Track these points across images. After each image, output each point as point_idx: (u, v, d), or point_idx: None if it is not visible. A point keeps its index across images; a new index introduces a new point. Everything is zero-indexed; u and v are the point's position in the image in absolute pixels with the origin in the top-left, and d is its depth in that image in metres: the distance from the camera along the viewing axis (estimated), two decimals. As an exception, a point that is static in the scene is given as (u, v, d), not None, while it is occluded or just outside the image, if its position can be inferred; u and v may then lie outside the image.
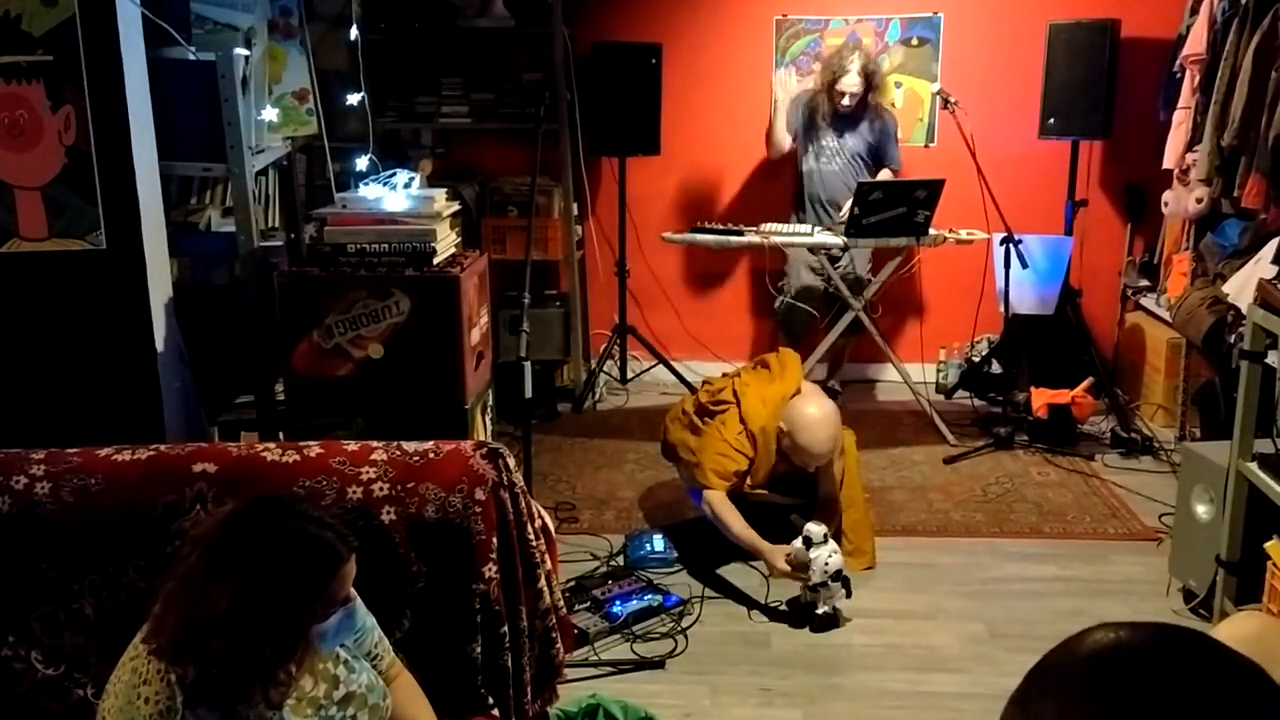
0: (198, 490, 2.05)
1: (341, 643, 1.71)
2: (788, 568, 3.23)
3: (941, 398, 5.30)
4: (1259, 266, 3.81)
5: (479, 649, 2.17)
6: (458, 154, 5.44)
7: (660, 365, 5.40)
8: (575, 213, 5.26)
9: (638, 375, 5.55)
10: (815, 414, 3.39)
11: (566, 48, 5.01)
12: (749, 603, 3.37)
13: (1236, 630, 1.98)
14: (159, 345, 2.62)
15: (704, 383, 3.95)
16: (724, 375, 3.86)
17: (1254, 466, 2.93)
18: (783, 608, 3.30)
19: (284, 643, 1.52)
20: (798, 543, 3.23)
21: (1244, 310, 3.38)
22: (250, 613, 1.49)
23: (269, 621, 1.50)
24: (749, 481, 3.51)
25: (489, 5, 5.02)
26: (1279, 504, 2.78)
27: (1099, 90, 4.88)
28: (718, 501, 3.42)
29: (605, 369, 5.46)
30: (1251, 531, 2.97)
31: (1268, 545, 2.86)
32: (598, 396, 5.33)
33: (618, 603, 3.26)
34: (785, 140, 5.00)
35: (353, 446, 2.21)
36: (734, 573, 3.53)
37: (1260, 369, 3.03)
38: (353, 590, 1.65)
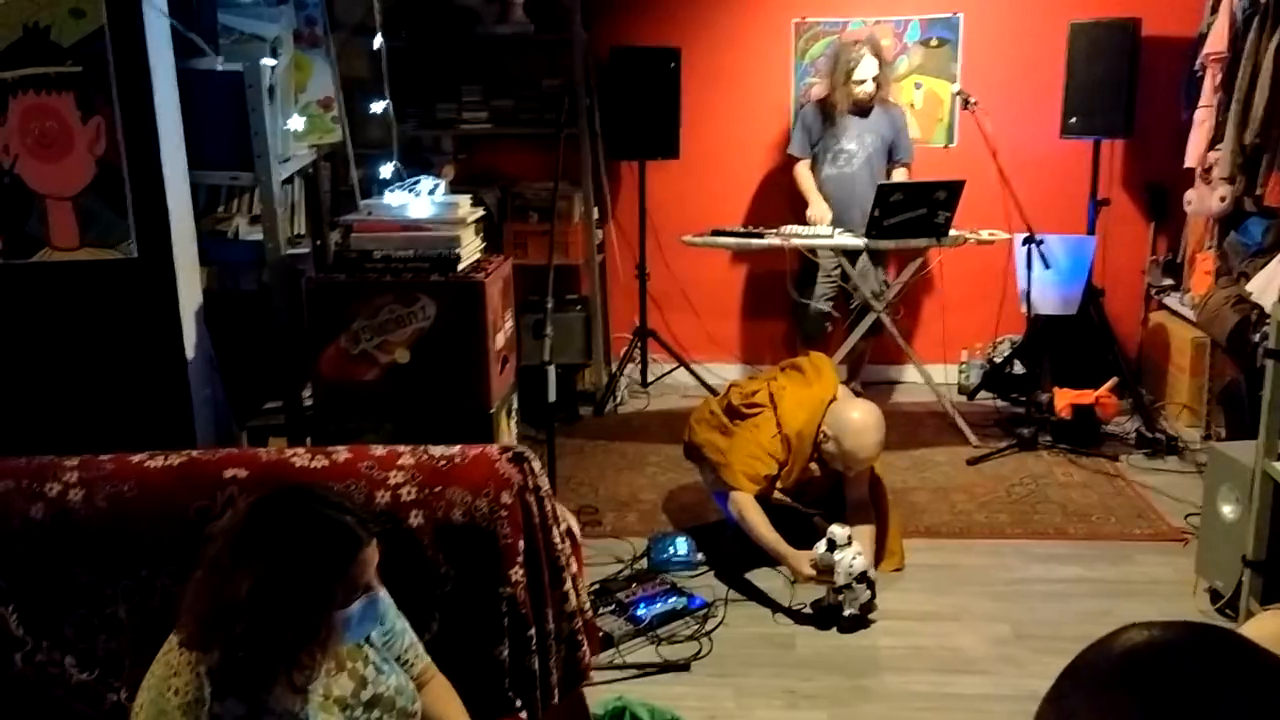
0: (229, 495, 2.07)
1: (367, 634, 1.74)
2: (813, 573, 3.23)
3: (964, 399, 5.29)
4: (1284, 265, 3.79)
5: (506, 652, 2.19)
6: (478, 160, 5.47)
7: (681, 368, 5.41)
8: (595, 217, 5.28)
9: (659, 378, 5.57)
10: (861, 418, 3.38)
11: (586, 53, 5.04)
12: (773, 605, 3.38)
13: (1263, 629, 1.97)
14: (189, 353, 2.65)
15: (731, 384, 3.94)
16: (752, 378, 3.84)
17: (1280, 466, 2.91)
18: (807, 610, 3.31)
19: (306, 625, 1.55)
20: (821, 546, 3.23)
21: (1268, 309, 3.36)
22: (272, 594, 1.52)
23: (290, 603, 1.53)
24: (779, 485, 3.51)
25: (509, 11, 5.05)
26: (1306, 504, 2.76)
27: (1120, 89, 4.86)
28: (745, 504, 3.42)
29: (626, 372, 5.48)
30: (1278, 531, 2.95)
31: (1295, 545, 2.85)
32: (619, 400, 5.34)
33: (642, 605, 3.27)
34: (805, 162, 5.02)
35: (380, 451, 2.24)
36: (758, 575, 3.54)
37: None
38: (379, 583, 1.68)
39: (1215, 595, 3.27)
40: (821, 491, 3.60)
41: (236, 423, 2.90)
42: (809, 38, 5.40)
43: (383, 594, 1.73)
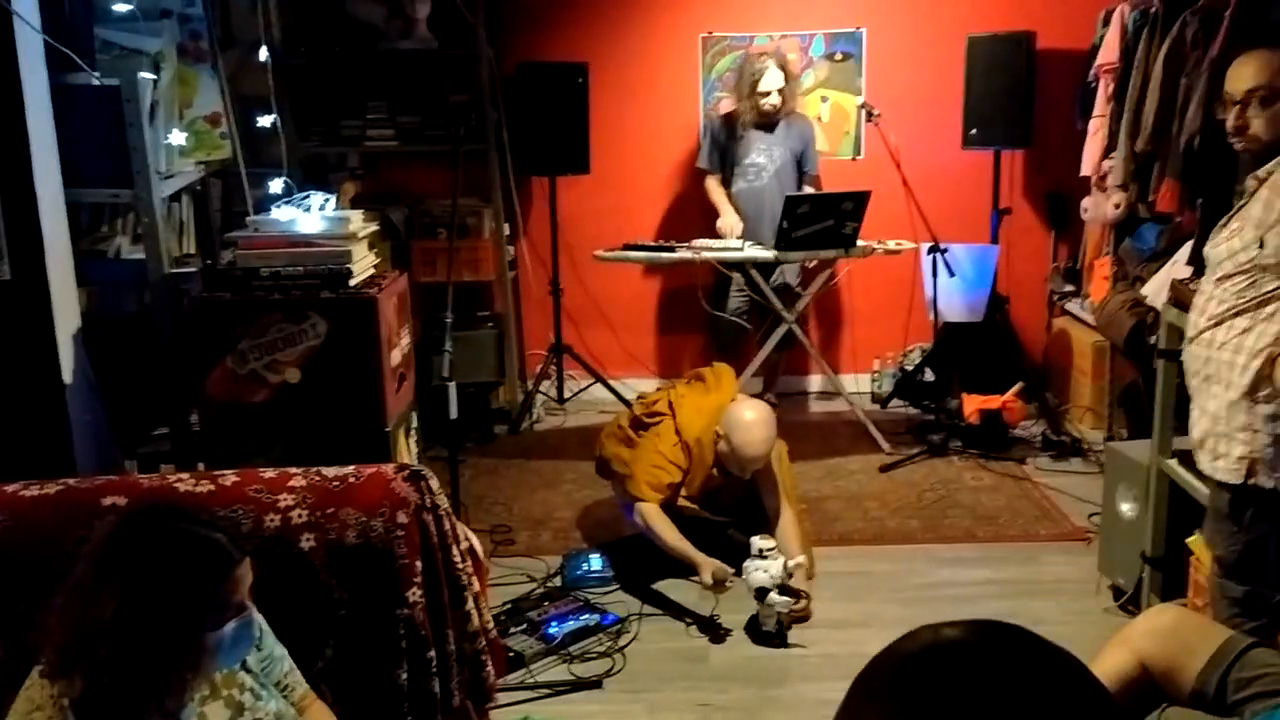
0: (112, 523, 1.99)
1: (242, 658, 1.67)
2: (710, 580, 3.25)
3: (877, 407, 5.34)
4: (1175, 268, 3.90)
5: (405, 675, 2.14)
6: (385, 177, 5.39)
7: (598, 384, 5.38)
8: (507, 233, 5.24)
9: (575, 394, 5.53)
10: (751, 416, 3.40)
11: (492, 69, 5.00)
12: (690, 615, 3.36)
13: (1154, 623, 2.00)
14: (67, 377, 2.55)
15: (638, 397, 3.95)
16: (659, 389, 3.85)
17: (1174, 463, 2.98)
18: (719, 618, 3.29)
19: (176, 649, 1.48)
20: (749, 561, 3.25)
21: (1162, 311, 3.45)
22: (138, 616, 1.45)
23: (158, 625, 1.46)
24: (683, 493, 3.51)
25: (412, 27, 4.99)
26: (1199, 500, 2.82)
27: (1018, 101, 4.98)
28: (650, 513, 3.42)
29: (542, 389, 5.43)
30: (1174, 527, 3.02)
31: (1189, 540, 2.91)
32: (535, 417, 5.29)
33: (554, 623, 3.23)
34: (715, 177, 5.04)
35: (270, 474, 2.17)
36: (672, 589, 3.52)
37: (1176, 368, 3.09)
38: (252, 605, 1.61)
39: (1118, 592, 3.33)
40: (730, 500, 3.60)
41: (124, 450, 2.79)
42: (716, 52, 5.44)
43: (258, 616, 1.67)
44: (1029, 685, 0.78)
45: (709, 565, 3.29)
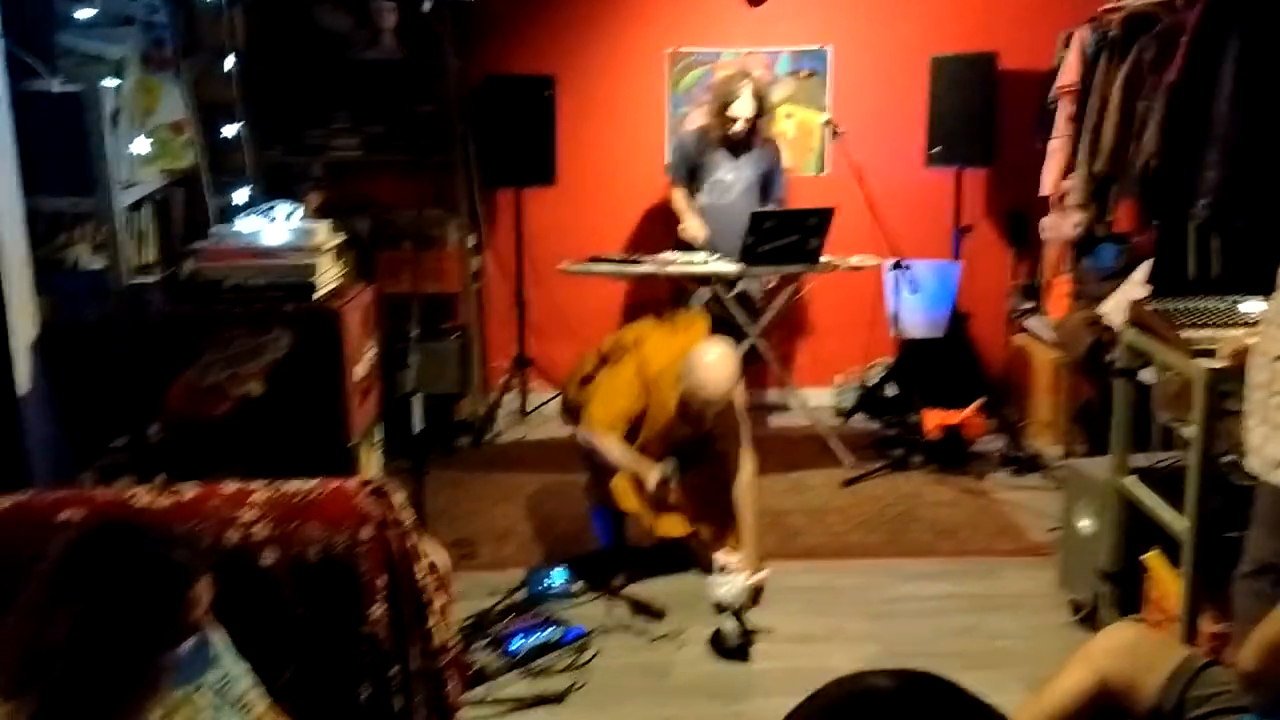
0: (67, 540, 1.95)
1: (200, 676, 1.64)
2: (656, 486, 3.31)
3: (839, 421, 5.38)
4: (1132, 287, 3.96)
5: (368, 692, 2.12)
6: (350, 187, 5.34)
7: (561, 397, 5.36)
8: (472, 244, 5.22)
9: (538, 407, 5.51)
10: (713, 355, 3.37)
11: (459, 80, 4.99)
12: (645, 611, 3.37)
13: (1114, 641, 2.03)
14: (22, 388, 2.50)
15: (609, 336, 3.92)
16: (627, 326, 3.85)
17: (1131, 481, 3.02)
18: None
19: (131, 668, 1.45)
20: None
21: (1119, 330, 3.50)
22: (93, 635, 1.43)
23: (113, 645, 1.44)
24: (642, 435, 3.48)
25: (379, 37, 4.97)
26: (1155, 517, 2.87)
27: (980, 120, 5.05)
28: (597, 437, 3.42)
29: (505, 402, 5.41)
30: (1131, 544, 3.06)
31: (1146, 556, 2.96)
32: (498, 430, 5.27)
33: (517, 638, 3.21)
34: (681, 188, 5.05)
35: (230, 488, 2.14)
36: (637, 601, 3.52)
37: (1133, 386, 3.14)
38: (211, 623, 1.59)
39: (1077, 607, 3.37)
40: (688, 445, 3.55)
41: (81, 462, 2.74)
42: (683, 68, 5.46)
43: (217, 634, 1.65)
44: None
45: (654, 469, 3.33)
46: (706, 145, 4.95)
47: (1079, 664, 1.99)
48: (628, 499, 3.47)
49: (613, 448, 3.39)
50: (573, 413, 3.70)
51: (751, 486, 3.58)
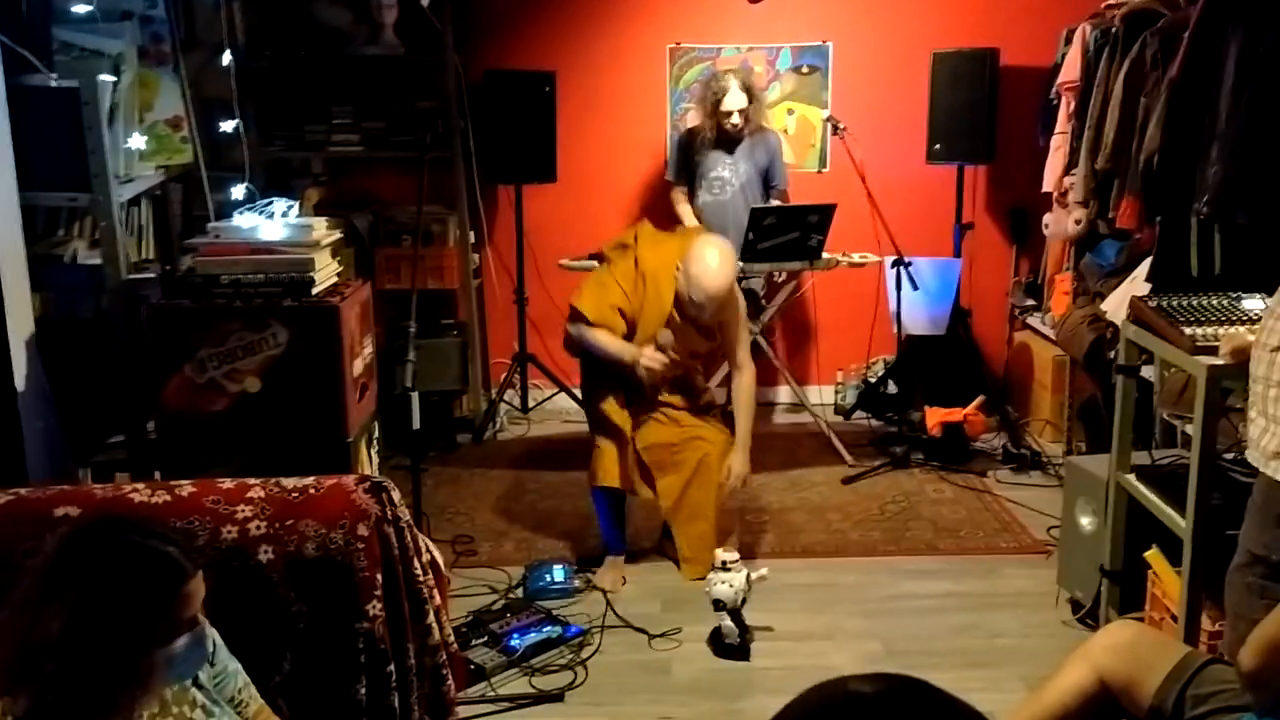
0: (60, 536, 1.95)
1: (194, 674, 1.64)
2: (654, 355, 3.35)
3: (840, 419, 5.37)
4: (1134, 284, 3.95)
5: (364, 690, 2.11)
6: (350, 183, 5.34)
7: (562, 393, 5.36)
8: (472, 241, 5.21)
9: (539, 404, 5.51)
10: (712, 250, 3.39)
11: (459, 75, 4.98)
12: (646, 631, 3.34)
13: (1113, 639, 2.03)
14: (19, 384, 2.49)
15: None
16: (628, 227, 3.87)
17: (1132, 478, 3.01)
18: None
19: (124, 665, 1.45)
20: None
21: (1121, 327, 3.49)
22: (86, 632, 1.43)
23: (107, 641, 1.44)
24: (637, 339, 3.48)
25: (379, 33, 4.96)
26: (1156, 514, 2.86)
27: (981, 117, 5.03)
28: (583, 328, 3.44)
29: (506, 398, 5.40)
30: (1132, 541, 3.05)
31: (1147, 554, 2.94)
32: (498, 426, 5.26)
33: (516, 636, 3.20)
34: (681, 188, 5.04)
35: (228, 484, 2.14)
36: (635, 600, 3.51)
37: (1134, 384, 3.13)
38: (205, 619, 1.58)
39: (1076, 605, 3.36)
40: (687, 353, 3.61)
41: (78, 458, 2.74)
42: (683, 64, 5.45)
43: (210, 631, 1.64)
44: None
45: (643, 350, 3.36)
46: (701, 144, 4.93)
47: (1078, 662, 1.98)
48: (609, 473, 3.51)
49: (601, 337, 3.41)
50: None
51: (749, 390, 3.67)
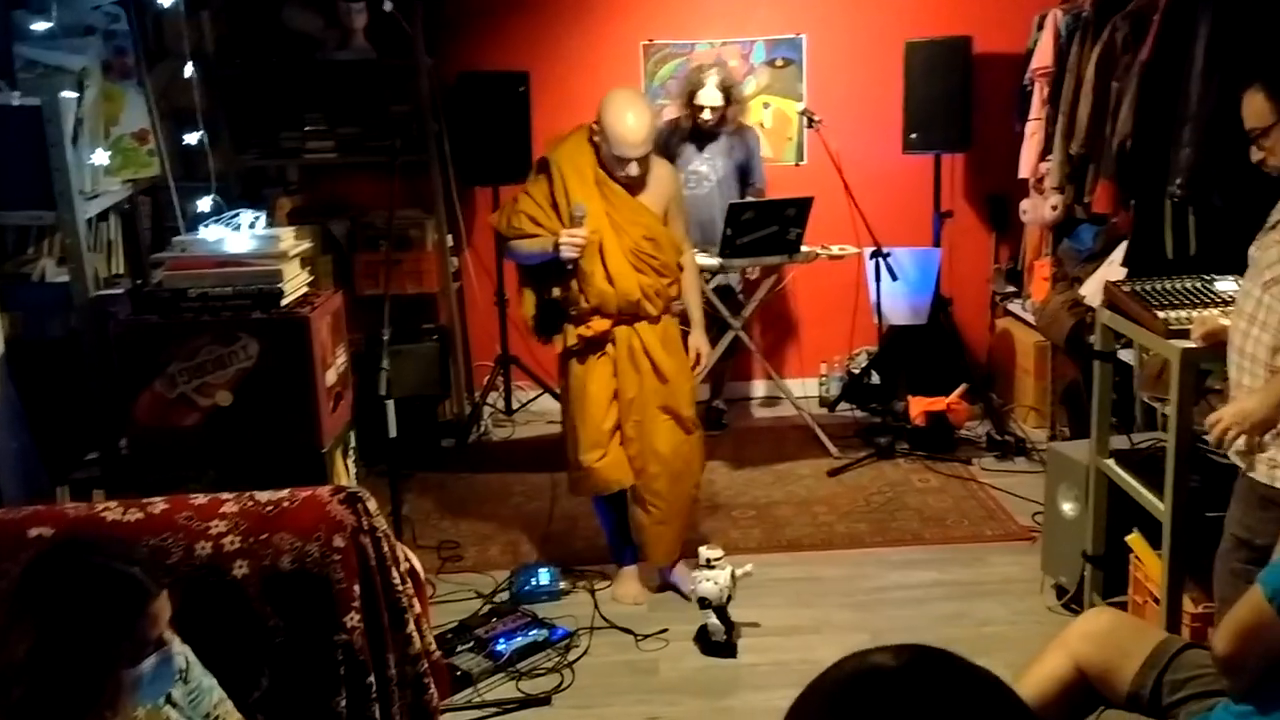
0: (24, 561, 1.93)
1: (164, 693, 1.63)
2: (570, 232, 3.26)
3: (824, 411, 5.37)
4: (1112, 268, 3.95)
5: (344, 702, 2.11)
6: (326, 190, 5.32)
7: (546, 394, 5.35)
8: (450, 244, 5.19)
9: (523, 406, 5.49)
10: (620, 97, 3.36)
11: (432, 78, 4.96)
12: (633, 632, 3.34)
13: (1090, 626, 2.03)
14: (-10, 405, 2.48)
15: None
16: None
17: (1111, 463, 3.01)
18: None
19: (92, 687, 1.44)
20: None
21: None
22: (52, 654, 1.42)
23: (73, 663, 1.43)
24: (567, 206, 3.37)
25: (349, 38, 4.93)
26: (1136, 498, 2.86)
27: (956, 105, 5.03)
28: (509, 245, 3.43)
29: (489, 401, 5.39)
30: (1114, 526, 3.05)
31: (1128, 538, 2.95)
32: (483, 430, 5.25)
33: (501, 640, 3.19)
34: None
35: (200, 500, 2.13)
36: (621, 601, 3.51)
37: (1111, 369, 3.13)
38: (174, 638, 1.58)
39: (1061, 590, 3.37)
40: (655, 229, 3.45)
41: (54, 477, 2.72)
42: (658, 60, 5.44)
43: (181, 649, 1.63)
44: (956, 711, 0.80)
45: (559, 234, 3.28)
46: (678, 138, 4.91)
47: (1055, 651, 1.98)
48: (612, 476, 3.45)
49: (522, 244, 3.37)
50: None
51: (692, 268, 3.62)
